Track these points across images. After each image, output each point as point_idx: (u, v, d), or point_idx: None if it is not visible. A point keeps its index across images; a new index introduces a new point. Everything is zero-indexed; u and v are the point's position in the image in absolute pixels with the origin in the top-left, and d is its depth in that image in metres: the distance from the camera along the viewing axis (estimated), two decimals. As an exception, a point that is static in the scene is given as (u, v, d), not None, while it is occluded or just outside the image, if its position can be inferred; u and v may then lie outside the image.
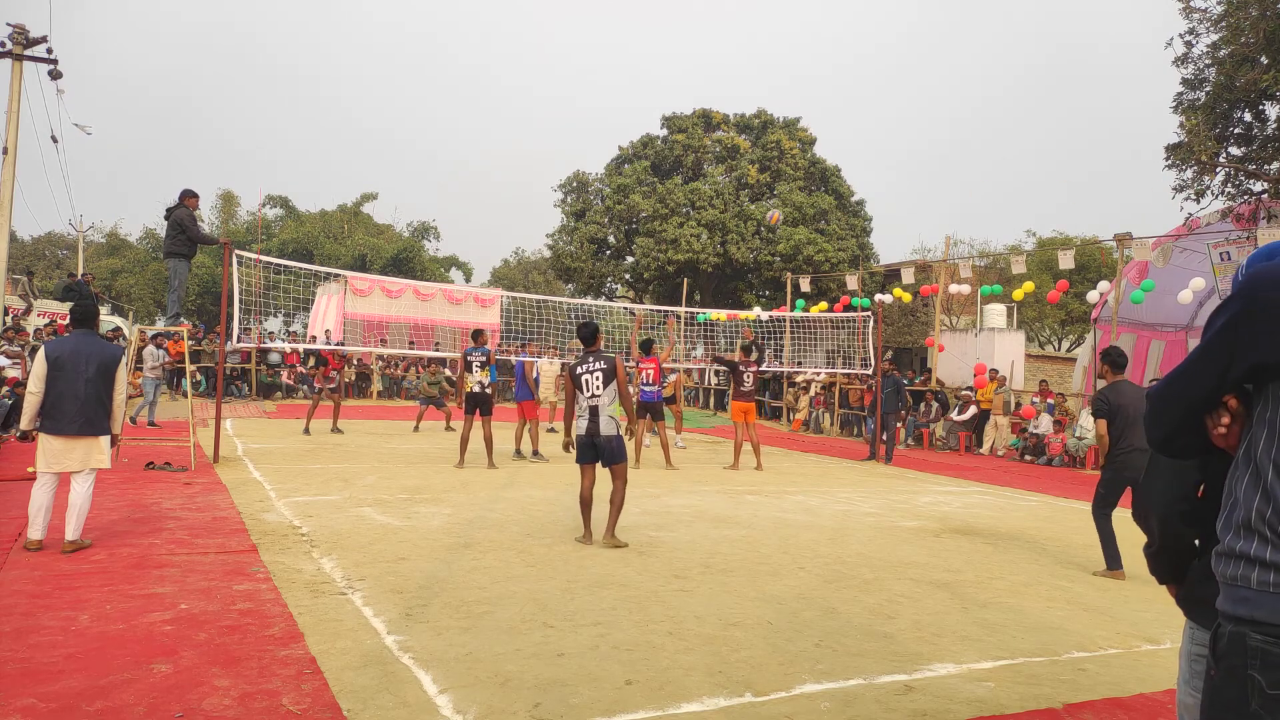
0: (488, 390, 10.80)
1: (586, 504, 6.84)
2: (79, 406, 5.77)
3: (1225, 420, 1.63)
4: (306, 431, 14.41)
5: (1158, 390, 1.75)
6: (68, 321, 6.45)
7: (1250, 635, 1.48)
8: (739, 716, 3.52)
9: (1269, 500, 1.50)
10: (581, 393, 6.72)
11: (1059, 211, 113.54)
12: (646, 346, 12.57)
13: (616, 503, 6.75)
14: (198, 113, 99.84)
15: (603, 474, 6.84)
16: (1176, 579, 1.98)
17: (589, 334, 6.88)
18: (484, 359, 10.87)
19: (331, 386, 15.40)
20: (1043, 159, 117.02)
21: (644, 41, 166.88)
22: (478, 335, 11.49)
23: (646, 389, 12.49)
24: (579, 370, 6.73)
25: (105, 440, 5.95)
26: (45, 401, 5.77)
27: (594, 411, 6.66)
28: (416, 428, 16.39)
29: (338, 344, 23.18)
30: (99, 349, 5.96)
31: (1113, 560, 6.46)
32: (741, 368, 12.52)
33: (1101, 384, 6.50)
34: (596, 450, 6.71)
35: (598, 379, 6.66)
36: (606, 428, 6.63)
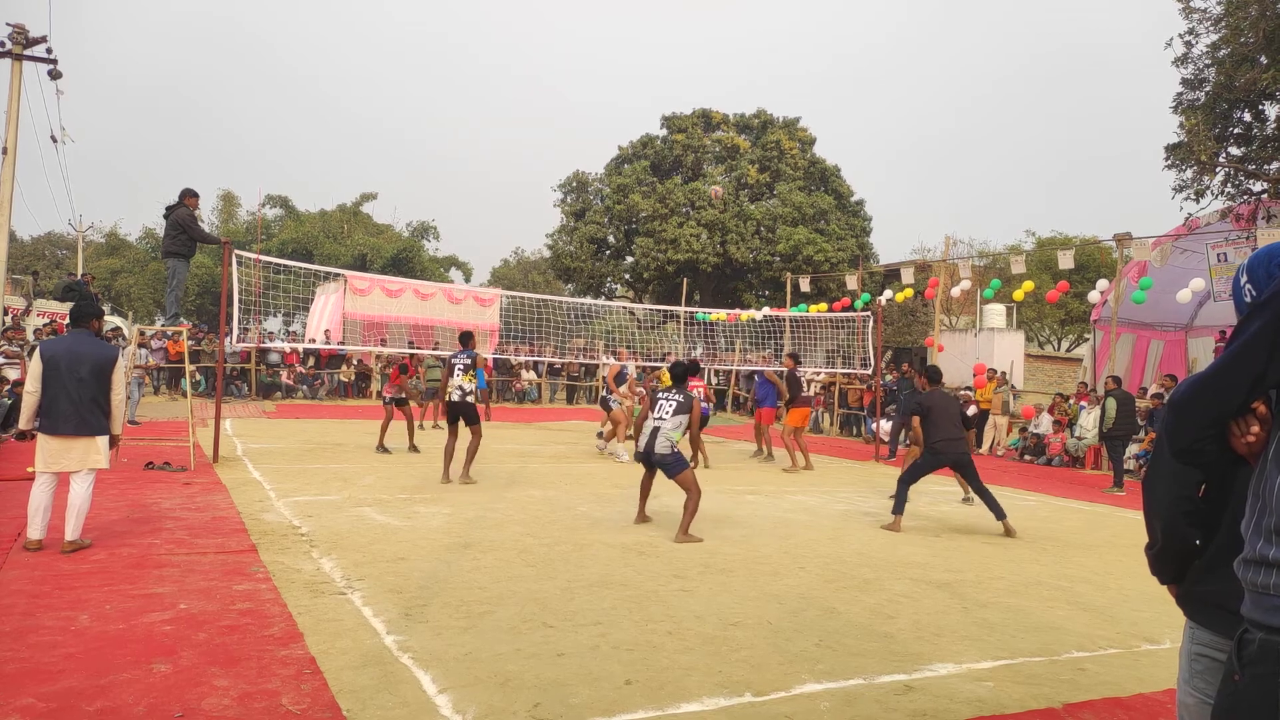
0: (469, 399, 9.63)
1: (643, 493, 7.88)
2: (73, 407, 5.75)
3: (1255, 428, 1.60)
4: (383, 449, 12.32)
5: (1181, 398, 1.70)
6: (68, 321, 6.44)
7: None
8: (739, 716, 3.52)
9: None
10: (651, 412, 7.54)
11: (1059, 211, 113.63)
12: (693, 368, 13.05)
13: (689, 509, 7.30)
14: (198, 112, 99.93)
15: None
16: (1178, 579, 1.98)
17: (680, 373, 7.84)
18: (468, 362, 9.72)
19: (399, 396, 12.83)
20: (1043, 159, 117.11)
21: (644, 42, 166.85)
22: (465, 338, 10.23)
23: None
24: (659, 394, 7.64)
25: (102, 440, 5.93)
26: (42, 401, 5.77)
27: (654, 433, 7.40)
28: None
29: (337, 344, 23.20)
30: (93, 349, 5.93)
31: (898, 509, 8.19)
32: (799, 374, 13.01)
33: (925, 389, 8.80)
34: (646, 460, 7.51)
35: (671, 407, 7.43)
36: (661, 448, 7.34)
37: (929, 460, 8.30)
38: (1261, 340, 1.57)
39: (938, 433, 8.16)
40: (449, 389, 9.77)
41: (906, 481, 8.33)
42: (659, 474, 7.64)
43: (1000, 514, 8.12)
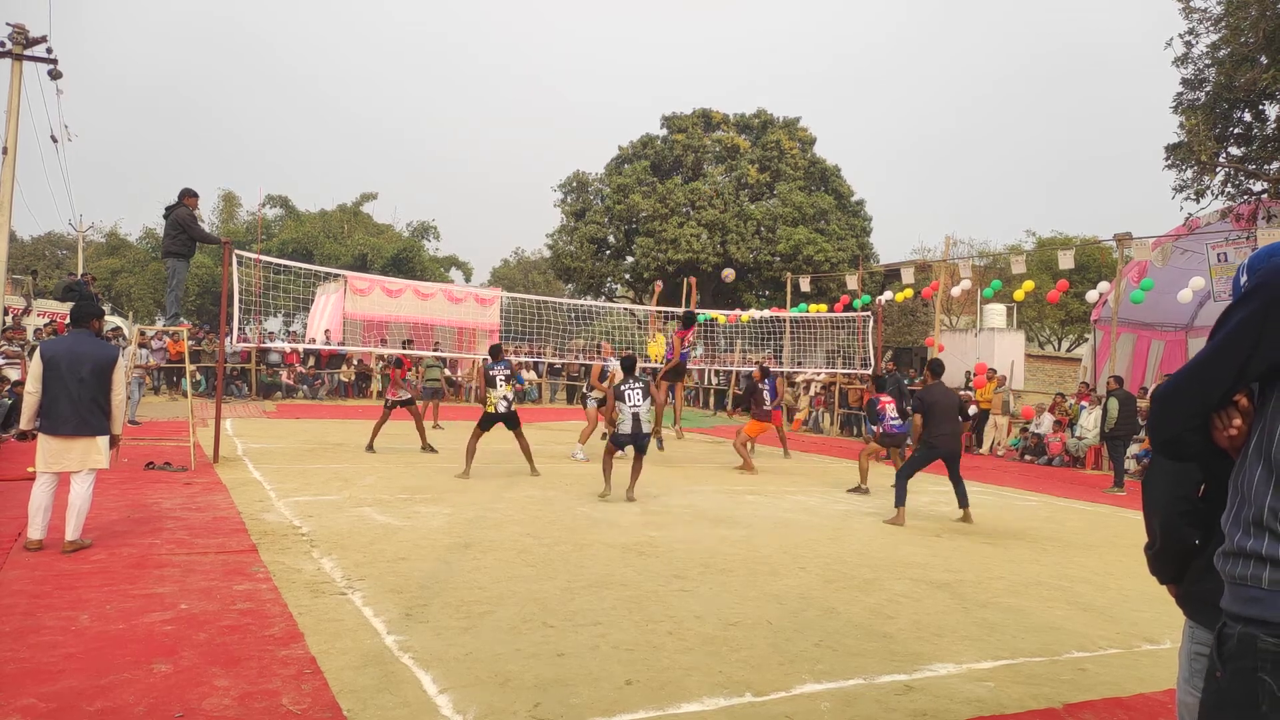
0: (514, 408, 10.36)
1: (609, 470, 9.21)
2: (73, 407, 5.75)
3: (1237, 421, 1.61)
4: (370, 448, 12.18)
5: (1165, 391, 1.71)
6: (68, 322, 6.44)
7: (1261, 638, 1.47)
8: (739, 716, 3.52)
9: None
10: (624, 404, 8.98)
11: (1059, 211, 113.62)
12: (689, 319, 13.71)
13: (637, 472, 9.24)
14: (197, 112, 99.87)
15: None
16: (1177, 578, 1.98)
17: (630, 364, 9.39)
18: (508, 372, 10.31)
19: (405, 397, 12.80)
20: (1043, 159, 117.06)
21: (644, 42, 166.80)
22: (496, 351, 10.75)
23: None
24: (623, 388, 9.08)
25: (103, 440, 5.93)
26: (42, 402, 5.78)
27: (635, 418, 8.97)
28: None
29: (337, 344, 23.20)
30: (94, 349, 5.92)
31: (899, 502, 8.51)
32: (761, 386, 12.44)
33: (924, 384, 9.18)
34: (634, 442, 9.03)
35: (638, 395, 9.03)
36: (646, 428, 9.10)
37: (925, 454, 8.49)
38: (1245, 332, 1.57)
39: (937, 428, 8.39)
40: (493, 400, 10.22)
41: (904, 476, 8.57)
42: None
43: (964, 503, 8.76)
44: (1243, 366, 1.57)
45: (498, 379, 10.26)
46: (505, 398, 10.22)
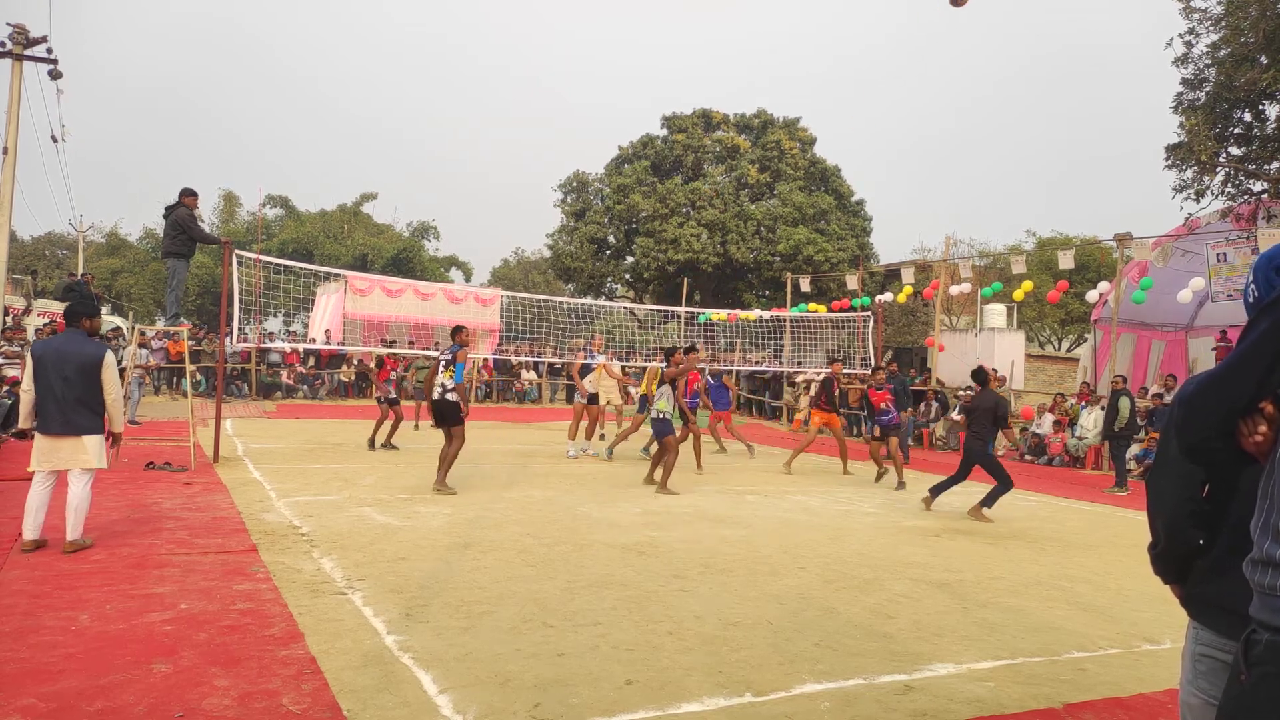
0: (449, 396, 8.93)
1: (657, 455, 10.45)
2: (58, 406, 5.74)
3: (1262, 428, 1.61)
4: (373, 446, 12.58)
5: (1190, 395, 1.71)
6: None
7: None
8: (739, 716, 3.52)
9: None
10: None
11: (1059, 211, 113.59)
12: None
13: (667, 465, 9.76)
14: (197, 113, 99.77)
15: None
16: (1180, 579, 1.98)
17: (669, 354, 10.53)
18: (449, 358, 9.04)
19: (390, 395, 13.09)
20: (1043, 159, 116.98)
21: (644, 43, 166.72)
22: (453, 333, 9.46)
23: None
24: (659, 389, 10.05)
25: (92, 440, 5.85)
26: (35, 400, 5.79)
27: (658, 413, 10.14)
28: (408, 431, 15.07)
29: (338, 344, 23.20)
30: (79, 349, 5.87)
31: (935, 493, 9.44)
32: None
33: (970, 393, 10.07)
34: (657, 435, 10.12)
35: (667, 388, 10.01)
36: (655, 414, 10.04)
37: (964, 459, 9.36)
38: (1267, 342, 1.58)
39: (969, 429, 9.34)
40: (433, 386, 9.14)
41: (943, 486, 9.38)
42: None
43: (986, 503, 9.07)
44: (1263, 378, 1.58)
45: (440, 363, 9.12)
46: (442, 384, 8.95)
